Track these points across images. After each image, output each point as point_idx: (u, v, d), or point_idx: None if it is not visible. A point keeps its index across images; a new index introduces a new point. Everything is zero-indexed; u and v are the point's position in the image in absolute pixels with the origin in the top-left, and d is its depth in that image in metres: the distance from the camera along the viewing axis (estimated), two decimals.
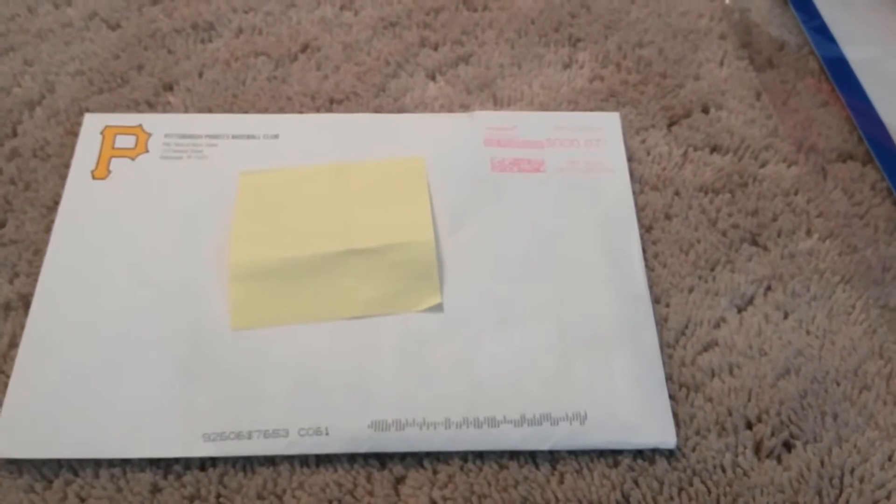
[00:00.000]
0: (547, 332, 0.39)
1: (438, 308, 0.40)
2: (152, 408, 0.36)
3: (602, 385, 0.38)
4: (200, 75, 0.48)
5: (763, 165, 0.46)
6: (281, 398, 0.37)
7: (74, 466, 0.35)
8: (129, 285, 0.40)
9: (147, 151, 0.44)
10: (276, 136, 0.45)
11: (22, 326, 0.38)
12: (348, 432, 0.36)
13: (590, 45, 0.51)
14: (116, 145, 0.44)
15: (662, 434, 0.37)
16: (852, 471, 0.37)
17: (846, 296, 0.41)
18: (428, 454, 0.37)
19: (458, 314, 0.40)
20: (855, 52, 0.51)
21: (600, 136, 0.46)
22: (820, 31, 0.52)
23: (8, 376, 0.37)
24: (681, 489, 0.36)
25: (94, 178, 0.43)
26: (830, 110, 0.48)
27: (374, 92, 0.48)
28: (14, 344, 0.38)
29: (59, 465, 0.35)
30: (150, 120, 0.45)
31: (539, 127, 0.46)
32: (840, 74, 0.50)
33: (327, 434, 0.36)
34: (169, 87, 0.48)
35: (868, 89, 0.49)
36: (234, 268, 0.40)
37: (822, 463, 0.37)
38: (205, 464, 0.36)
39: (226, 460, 0.36)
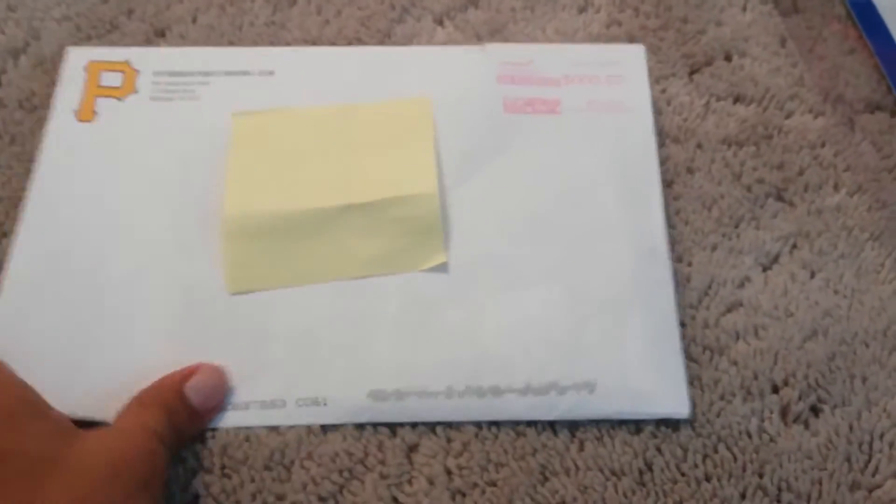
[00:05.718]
0: (557, 292, 0.37)
1: (443, 268, 0.38)
2: (144, 376, 0.34)
3: (613, 351, 0.36)
4: (194, 20, 0.46)
5: (788, 116, 0.44)
6: (278, 367, 0.35)
7: None
8: (117, 242, 0.37)
9: (136, 92, 0.41)
10: (271, 73, 0.42)
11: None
12: (347, 402, 0.35)
13: None
14: (102, 83, 0.41)
15: (675, 403, 0.35)
16: (882, 436, 0.35)
17: (875, 254, 0.40)
18: (441, 421, 0.35)
19: (463, 274, 0.38)
20: None
21: (623, 71, 0.43)
22: None
23: None
24: (705, 456, 0.35)
25: (78, 120, 0.40)
26: (858, 58, 0.46)
27: (379, 38, 0.45)
28: None
29: None
30: (137, 55, 0.42)
31: (557, 61, 0.43)
32: (867, 20, 0.47)
33: (325, 405, 0.35)
34: (161, 33, 0.45)
35: None
36: (228, 223, 0.38)
37: (851, 428, 0.35)
38: (204, 434, 0.34)
39: (227, 430, 0.34)
